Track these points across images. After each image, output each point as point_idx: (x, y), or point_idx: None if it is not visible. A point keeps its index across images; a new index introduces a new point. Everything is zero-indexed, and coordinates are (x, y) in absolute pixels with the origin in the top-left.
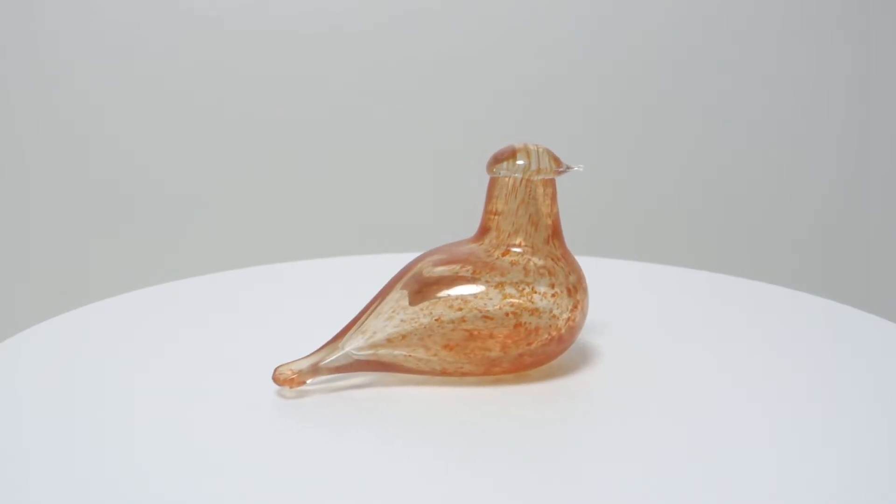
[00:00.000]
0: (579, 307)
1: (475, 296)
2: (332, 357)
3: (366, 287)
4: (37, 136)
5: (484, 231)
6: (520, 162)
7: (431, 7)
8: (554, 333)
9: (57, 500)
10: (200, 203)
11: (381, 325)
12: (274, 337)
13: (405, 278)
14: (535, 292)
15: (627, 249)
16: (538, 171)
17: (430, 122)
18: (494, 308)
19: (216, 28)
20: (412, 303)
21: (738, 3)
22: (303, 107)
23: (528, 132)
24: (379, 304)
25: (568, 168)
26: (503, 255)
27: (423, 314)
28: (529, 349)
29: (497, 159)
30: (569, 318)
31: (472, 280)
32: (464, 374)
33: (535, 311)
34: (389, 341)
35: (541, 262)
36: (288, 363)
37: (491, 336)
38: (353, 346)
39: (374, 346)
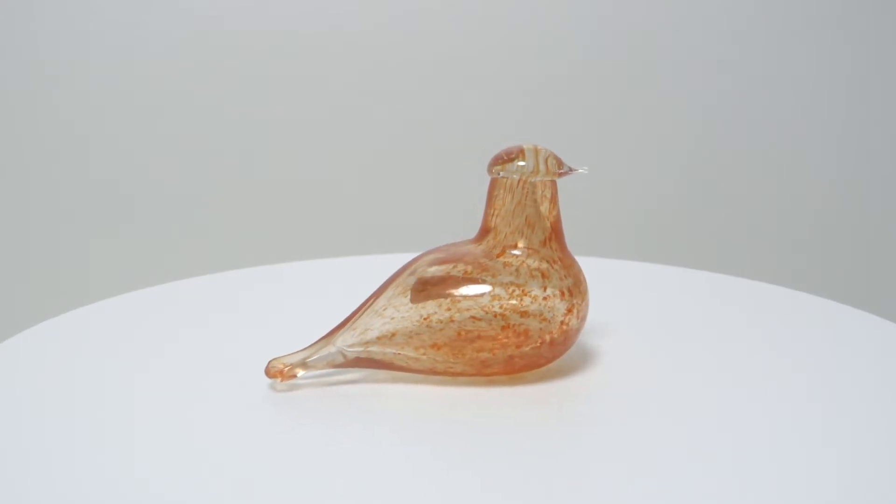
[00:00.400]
0: (574, 311)
1: (464, 296)
2: (324, 352)
3: (366, 287)
4: (37, 136)
5: (484, 232)
6: (519, 163)
7: (431, 7)
8: (546, 337)
9: (57, 500)
10: (200, 203)
11: (372, 323)
12: (274, 337)
13: (400, 277)
14: (526, 295)
15: (627, 249)
16: (537, 172)
17: (430, 122)
18: (483, 309)
19: (216, 28)
20: (403, 301)
21: (738, 3)
22: (303, 107)
23: (528, 132)
24: (373, 302)
25: (571, 170)
26: (498, 256)
27: (412, 313)
28: (519, 352)
29: (496, 160)
30: (562, 322)
31: (462, 280)
32: (454, 374)
33: (525, 314)
34: (379, 339)
35: (535, 265)
36: (281, 357)
37: (479, 337)
38: (345, 342)
39: (365, 343)
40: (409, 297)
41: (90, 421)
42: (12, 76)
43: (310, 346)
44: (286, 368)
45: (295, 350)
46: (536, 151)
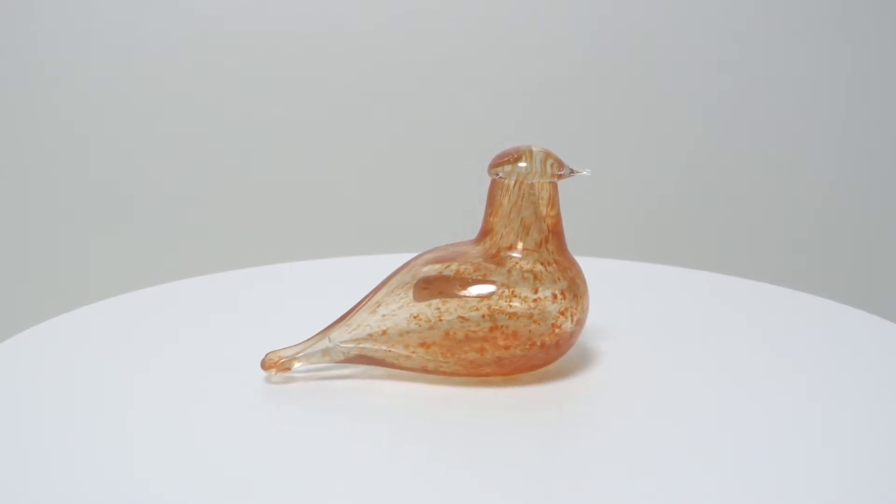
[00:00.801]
0: (568, 314)
1: (453, 296)
2: (319, 347)
3: (365, 287)
4: (37, 136)
5: (483, 233)
6: (518, 165)
7: (431, 7)
8: (537, 340)
9: (57, 500)
10: (200, 203)
11: (365, 320)
12: (273, 337)
13: (396, 275)
14: (515, 296)
15: (627, 249)
16: (535, 174)
17: (430, 122)
18: (471, 309)
19: (216, 28)
20: (395, 299)
21: (738, 3)
22: (303, 107)
23: (528, 132)
24: (368, 299)
25: (573, 172)
26: (493, 257)
27: (403, 311)
28: (509, 353)
29: (496, 161)
30: (555, 325)
31: (453, 280)
32: (445, 374)
33: (513, 315)
34: (371, 336)
35: (528, 266)
36: (277, 350)
37: (467, 337)
38: (339, 338)
39: (357, 340)
40: (401, 295)
41: (90, 421)
42: (12, 76)
43: (306, 340)
44: (281, 361)
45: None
46: (536, 153)
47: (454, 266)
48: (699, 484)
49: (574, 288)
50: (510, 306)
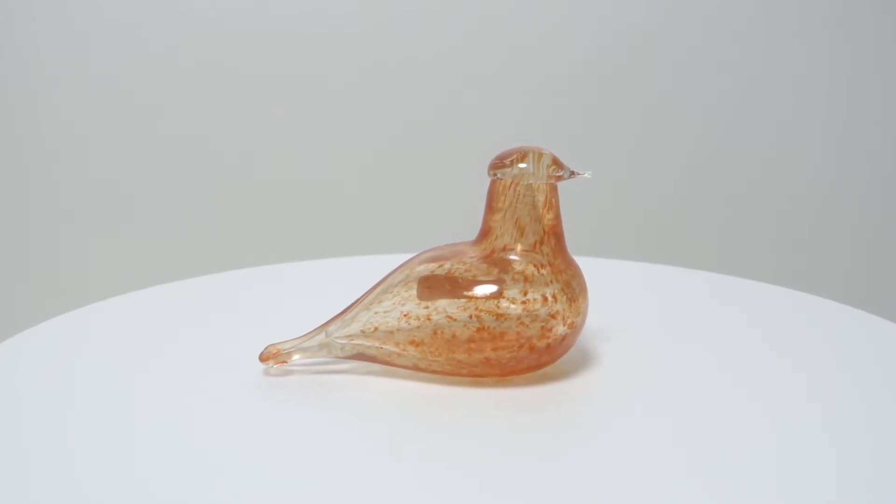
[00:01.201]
0: (559, 318)
1: (444, 295)
2: (316, 341)
3: (365, 287)
4: (37, 136)
5: (482, 233)
6: (516, 166)
7: (431, 7)
8: (525, 342)
9: (57, 500)
10: (200, 203)
11: (359, 316)
12: (273, 337)
13: (393, 273)
14: (504, 298)
15: (627, 249)
16: (531, 175)
17: (430, 122)
18: (459, 309)
19: (216, 28)
20: (389, 297)
21: (738, 3)
22: (303, 107)
23: (528, 132)
24: (365, 296)
25: (573, 174)
26: (487, 257)
27: (394, 309)
28: (496, 355)
29: (494, 162)
30: (544, 328)
31: (444, 280)
32: (436, 373)
33: (500, 317)
34: (363, 332)
35: (519, 268)
36: (276, 343)
37: (454, 337)
38: (335, 333)
39: (351, 336)
40: (394, 293)
41: (90, 421)
42: (12, 76)
43: (305, 334)
44: (280, 353)
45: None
46: (534, 154)
47: (447, 265)
48: (699, 484)
49: (568, 291)
50: (498, 307)
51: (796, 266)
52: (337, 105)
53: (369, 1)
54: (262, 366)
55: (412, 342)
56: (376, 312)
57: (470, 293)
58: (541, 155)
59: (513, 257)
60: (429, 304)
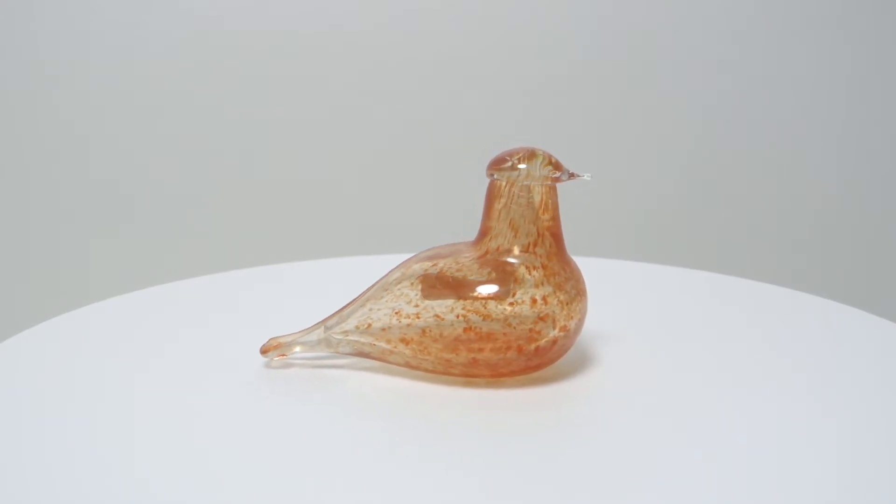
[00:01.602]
0: (549, 320)
1: (434, 294)
2: (315, 336)
3: (365, 287)
4: (37, 136)
5: (480, 233)
6: (512, 167)
7: (431, 7)
8: (512, 344)
9: (56, 500)
10: (200, 203)
11: (355, 312)
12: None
13: (391, 272)
14: (492, 299)
15: (627, 250)
16: (528, 176)
17: (430, 122)
18: (447, 309)
19: (216, 28)
20: (383, 294)
21: (738, 3)
22: (303, 107)
23: (528, 132)
24: (364, 293)
25: (572, 176)
26: (480, 257)
27: (387, 306)
28: (482, 356)
29: (491, 162)
30: (532, 330)
31: (435, 279)
32: (427, 371)
33: (487, 318)
34: (357, 328)
35: (510, 270)
36: (278, 336)
37: (442, 336)
38: (333, 329)
39: (346, 332)
40: (389, 290)
41: (90, 421)
42: (12, 76)
43: (305, 329)
44: (280, 346)
45: (298, 353)
46: (531, 155)
47: (441, 264)
48: (699, 484)
49: (561, 294)
50: (485, 308)
51: (796, 266)
52: (337, 105)
53: (369, 1)
54: (261, 366)
55: (402, 340)
56: (370, 309)
57: (458, 293)
58: (538, 156)
59: (506, 258)
60: (418, 302)
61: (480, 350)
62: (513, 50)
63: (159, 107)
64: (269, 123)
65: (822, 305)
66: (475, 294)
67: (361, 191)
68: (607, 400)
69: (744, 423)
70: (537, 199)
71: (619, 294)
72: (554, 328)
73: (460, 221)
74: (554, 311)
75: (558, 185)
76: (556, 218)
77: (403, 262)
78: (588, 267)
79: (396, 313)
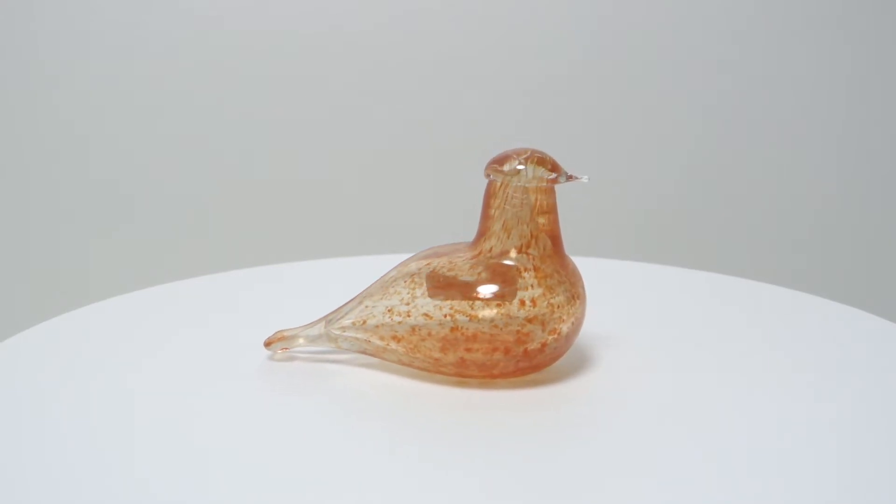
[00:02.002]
0: (538, 323)
1: (423, 293)
2: (316, 331)
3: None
4: (37, 136)
5: (477, 233)
6: (508, 168)
7: (431, 7)
8: (499, 345)
9: (57, 500)
10: (200, 203)
11: (353, 309)
12: None
13: (392, 270)
14: (480, 299)
15: (627, 250)
16: (523, 178)
17: (430, 122)
18: (435, 308)
19: (216, 28)
20: (379, 291)
21: (738, 3)
22: (303, 107)
23: (528, 132)
24: (365, 290)
25: (570, 178)
26: (474, 258)
27: (381, 304)
28: (469, 356)
29: (489, 163)
30: (520, 332)
31: (428, 277)
32: (419, 369)
33: (473, 318)
34: (354, 324)
35: (501, 271)
36: (283, 329)
37: (430, 335)
38: (333, 324)
39: (344, 328)
40: (385, 288)
41: (90, 421)
42: (12, 76)
43: (308, 323)
44: (284, 339)
45: (297, 353)
46: (527, 157)
47: (434, 263)
48: (700, 484)
49: (552, 297)
50: (472, 308)
51: (796, 266)
52: (337, 105)
53: (369, 1)
54: (261, 366)
55: (394, 337)
56: (366, 306)
57: (447, 293)
58: (534, 157)
59: (499, 260)
60: (410, 300)
61: (468, 350)
62: (513, 50)
63: (159, 107)
64: (269, 123)
65: (822, 305)
66: (463, 294)
67: (361, 191)
68: (607, 400)
69: (744, 423)
70: (531, 200)
71: (618, 294)
72: (543, 331)
73: (460, 221)
74: (544, 314)
75: (557, 186)
76: (554, 219)
77: (403, 261)
78: (588, 267)
79: (389, 311)
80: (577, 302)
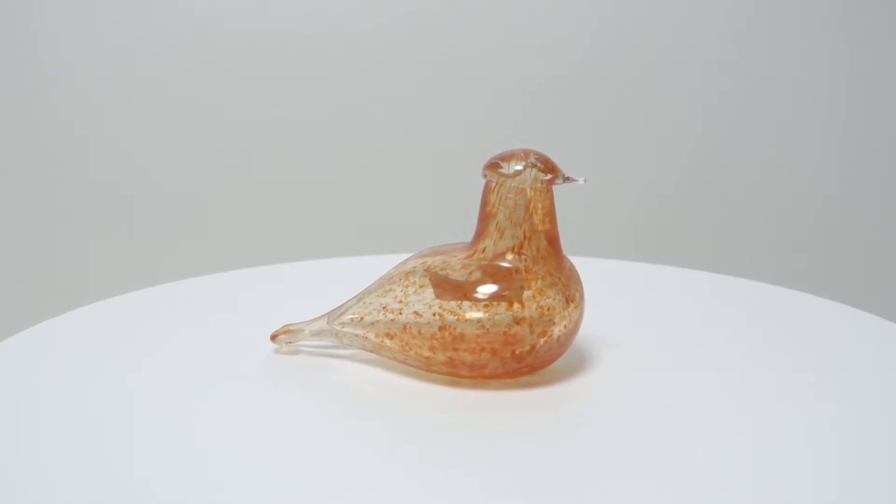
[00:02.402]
0: (525, 325)
1: (415, 291)
2: (319, 326)
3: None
4: (37, 136)
5: (474, 234)
6: (503, 169)
7: (431, 7)
8: (486, 346)
9: (57, 500)
10: (200, 203)
11: (352, 306)
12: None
13: (393, 267)
14: (468, 299)
15: (627, 250)
16: (518, 179)
17: (430, 122)
18: (425, 306)
19: (216, 28)
20: (378, 289)
21: (738, 3)
22: (303, 107)
23: (528, 132)
24: (367, 287)
25: (567, 180)
26: (467, 258)
27: (377, 301)
28: (457, 356)
29: (486, 164)
30: (506, 334)
31: (421, 275)
32: (412, 367)
33: (461, 318)
34: (352, 321)
35: (491, 272)
36: (289, 324)
37: (420, 333)
38: (336, 320)
39: (343, 323)
40: (382, 285)
41: (90, 421)
42: (12, 76)
43: (313, 318)
44: (290, 332)
45: (297, 353)
46: (523, 158)
47: (429, 262)
48: (699, 484)
49: (543, 299)
50: (459, 308)
51: (796, 266)
52: (337, 105)
53: (369, 1)
54: (261, 366)
55: (388, 335)
56: (364, 303)
57: (438, 292)
58: (529, 158)
59: (492, 261)
60: (403, 298)
61: (455, 350)
62: (513, 50)
63: (159, 107)
64: (269, 123)
65: (822, 305)
66: (452, 294)
67: (361, 191)
68: (607, 400)
69: (744, 423)
70: (523, 201)
71: (618, 294)
72: (532, 333)
73: (460, 221)
74: (533, 316)
75: (555, 187)
76: (551, 221)
77: (404, 260)
78: (587, 267)
79: (384, 308)
80: (572, 305)
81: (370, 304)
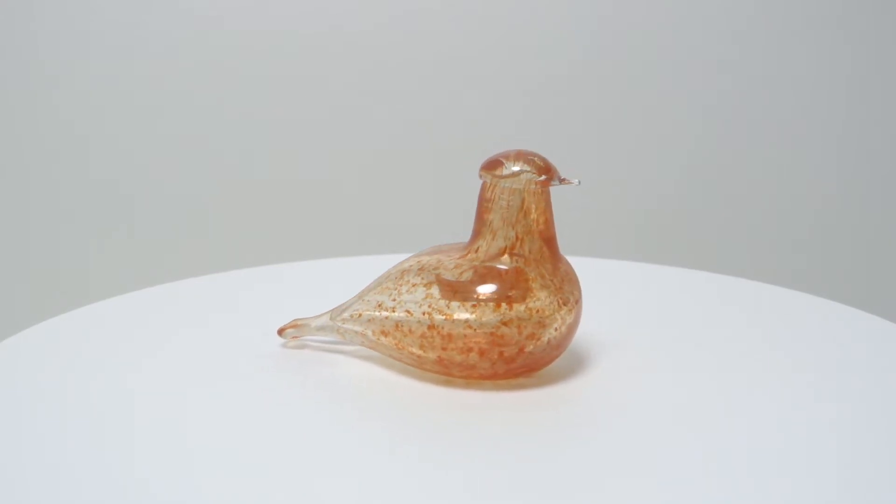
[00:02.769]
0: (513, 326)
1: (408, 290)
2: (322, 322)
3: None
4: (37, 136)
5: (472, 234)
6: (498, 169)
7: (431, 7)
8: (473, 346)
9: (56, 500)
10: (200, 203)
11: (353, 303)
12: (274, 337)
13: (394, 266)
14: (456, 299)
15: (627, 250)
16: (513, 179)
17: (430, 122)
18: (416, 305)
19: (216, 28)
20: (374, 287)
21: (738, 3)
22: (303, 107)
23: (528, 132)
24: (368, 284)
25: (562, 181)
26: (461, 258)
27: (374, 298)
28: (446, 355)
29: (482, 164)
30: (493, 335)
31: (415, 274)
32: (407, 365)
33: (448, 317)
34: (352, 317)
35: (482, 272)
36: (297, 319)
37: (410, 332)
38: (338, 316)
39: (344, 320)
40: (380, 283)
41: (90, 421)
42: (12, 76)
43: (318, 314)
44: (297, 327)
45: (297, 353)
46: (518, 159)
47: (424, 261)
48: (700, 484)
49: (534, 301)
50: (448, 307)
51: (796, 266)
52: (337, 105)
53: (369, 1)
54: (261, 366)
55: (382, 332)
56: (363, 301)
57: (428, 291)
58: (523, 159)
59: (485, 261)
60: (396, 296)
61: (444, 349)
62: (513, 50)
63: (159, 107)
64: (269, 123)
65: (822, 305)
66: (441, 293)
67: (361, 191)
68: (607, 400)
69: (744, 423)
70: (520, 202)
71: (618, 294)
72: (520, 335)
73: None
74: (521, 318)
75: (553, 188)
76: (547, 222)
77: (404, 259)
78: (587, 267)
79: (379, 305)
80: (565, 308)
81: (369, 301)
